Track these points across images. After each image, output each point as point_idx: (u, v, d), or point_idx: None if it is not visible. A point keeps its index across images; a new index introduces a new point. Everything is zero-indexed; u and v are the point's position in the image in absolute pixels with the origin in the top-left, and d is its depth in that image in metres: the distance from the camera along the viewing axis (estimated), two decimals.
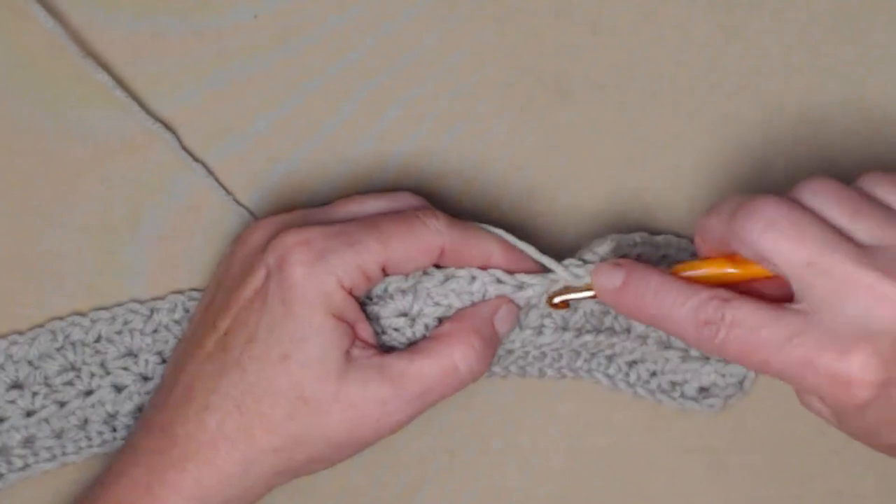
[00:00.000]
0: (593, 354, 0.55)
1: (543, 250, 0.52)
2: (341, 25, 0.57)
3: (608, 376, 0.56)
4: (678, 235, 0.56)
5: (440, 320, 0.51)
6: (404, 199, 0.52)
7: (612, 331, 0.54)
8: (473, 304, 0.51)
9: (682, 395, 0.56)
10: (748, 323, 0.47)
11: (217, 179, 0.56)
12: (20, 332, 0.55)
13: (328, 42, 0.57)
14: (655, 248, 0.55)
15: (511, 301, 0.51)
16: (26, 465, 0.55)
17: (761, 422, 0.56)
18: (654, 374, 0.56)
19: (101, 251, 0.56)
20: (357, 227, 0.50)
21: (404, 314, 0.51)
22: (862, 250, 0.46)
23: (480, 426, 0.56)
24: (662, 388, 0.56)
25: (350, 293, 0.49)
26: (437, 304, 0.51)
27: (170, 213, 0.56)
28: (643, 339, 0.55)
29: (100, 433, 0.55)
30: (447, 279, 0.51)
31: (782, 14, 0.57)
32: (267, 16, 0.57)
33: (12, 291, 0.56)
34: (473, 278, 0.51)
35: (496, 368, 0.55)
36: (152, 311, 0.55)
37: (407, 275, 0.51)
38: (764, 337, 0.46)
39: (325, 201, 0.55)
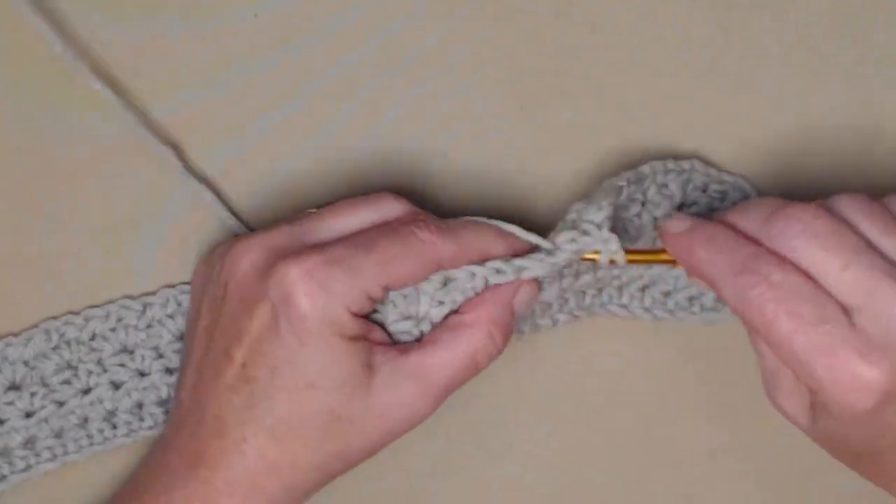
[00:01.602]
0: (600, 290, 0.56)
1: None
2: (341, 26, 0.56)
3: (622, 306, 0.56)
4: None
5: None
6: (388, 205, 0.52)
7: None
8: (492, 287, 0.51)
9: (702, 308, 0.56)
10: (794, 287, 0.47)
11: (221, 197, 0.56)
12: (14, 334, 0.55)
13: (328, 42, 0.56)
14: (640, 182, 0.55)
15: (531, 281, 0.52)
16: (28, 466, 0.55)
17: (761, 422, 0.56)
18: (668, 293, 0.56)
19: (102, 252, 0.56)
20: (355, 252, 0.49)
21: (409, 317, 0.51)
22: (892, 264, 0.47)
23: (480, 426, 0.57)
24: (681, 305, 0.56)
25: (357, 314, 0.50)
26: (441, 303, 0.51)
27: (170, 214, 0.56)
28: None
29: (100, 431, 0.55)
30: (447, 282, 0.51)
31: (782, 14, 0.57)
32: (267, 16, 0.56)
33: (12, 292, 0.56)
34: (473, 275, 0.51)
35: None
36: (145, 306, 0.56)
37: None
38: (802, 309, 0.47)
39: (326, 202, 0.55)
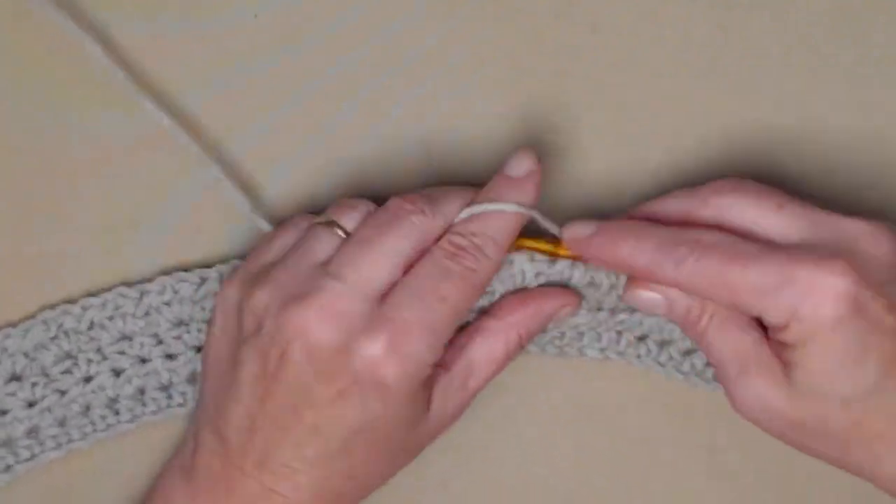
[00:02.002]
0: (620, 333, 0.55)
1: None
2: (341, 26, 0.56)
3: (638, 357, 0.56)
4: None
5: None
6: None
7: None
8: (536, 293, 0.52)
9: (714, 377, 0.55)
10: (727, 239, 0.48)
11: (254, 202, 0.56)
12: (12, 325, 0.55)
13: (329, 42, 0.56)
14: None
15: (576, 299, 0.52)
16: (33, 455, 0.55)
17: None
18: (687, 353, 0.56)
19: (103, 252, 0.56)
20: (429, 310, 0.49)
21: None
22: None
23: (481, 426, 0.57)
24: (696, 369, 0.56)
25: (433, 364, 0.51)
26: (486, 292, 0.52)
27: (171, 214, 0.56)
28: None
29: (103, 417, 0.55)
30: None
31: (782, 14, 0.57)
32: (267, 16, 0.56)
33: (12, 292, 0.56)
34: (511, 262, 0.52)
35: (532, 347, 0.56)
36: (141, 293, 0.55)
37: None
38: (745, 250, 0.47)
39: (326, 202, 0.55)
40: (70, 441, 0.55)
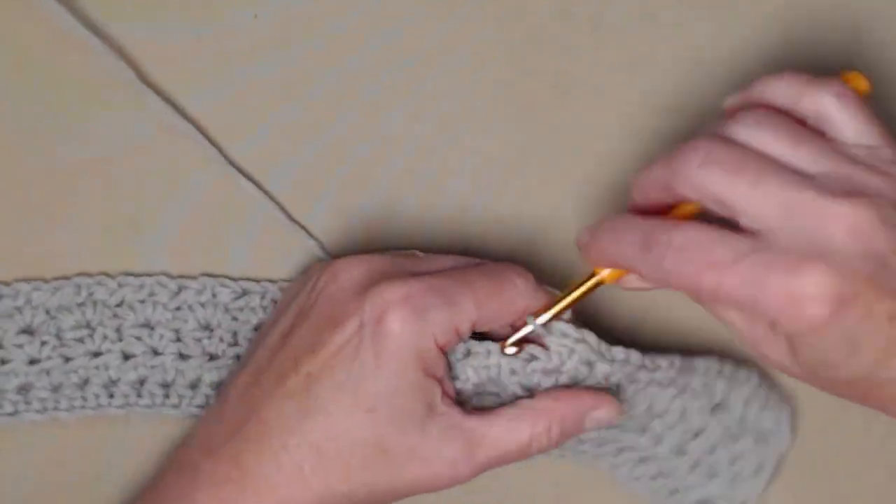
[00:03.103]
0: (600, 445, 0.55)
1: (544, 248, 0.54)
2: (341, 26, 0.56)
3: (614, 466, 0.55)
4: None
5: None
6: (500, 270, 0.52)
7: (625, 427, 0.54)
8: (576, 388, 0.51)
9: None
10: (698, 242, 0.45)
11: (289, 214, 0.56)
12: (45, 280, 0.55)
13: (328, 43, 0.56)
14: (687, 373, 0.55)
15: (613, 402, 0.51)
16: (16, 412, 0.54)
17: None
18: (656, 476, 0.55)
19: (103, 252, 0.56)
20: (453, 284, 0.50)
21: (487, 392, 0.52)
22: (804, 176, 0.45)
23: None
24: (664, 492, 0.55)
25: (442, 350, 0.50)
26: (522, 385, 0.51)
27: (172, 214, 0.56)
28: (657, 440, 0.54)
29: (96, 396, 0.54)
30: (531, 360, 0.51)
31: (782, 14, 0.57)
32: (267, 17, 0.56)
33: None
34: (488, 353, 0.51)
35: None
36: (180, 288, 0.55)
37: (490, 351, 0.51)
38: (715, 256, 0.45)
39: (324, 201, 0.56)
40: (56, 409, 0.54)
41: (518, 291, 0.50)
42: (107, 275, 0.55)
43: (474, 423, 0.50)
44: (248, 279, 0.56)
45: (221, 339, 0.55)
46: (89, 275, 0.55)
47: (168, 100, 0.56)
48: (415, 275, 0.50)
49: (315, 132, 0.56)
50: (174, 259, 0.56)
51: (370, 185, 0.57)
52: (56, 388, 0.54)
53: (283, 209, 0.56)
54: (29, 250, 0.55)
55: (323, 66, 0.56)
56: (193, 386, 0.55)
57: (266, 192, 0.56)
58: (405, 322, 0.48)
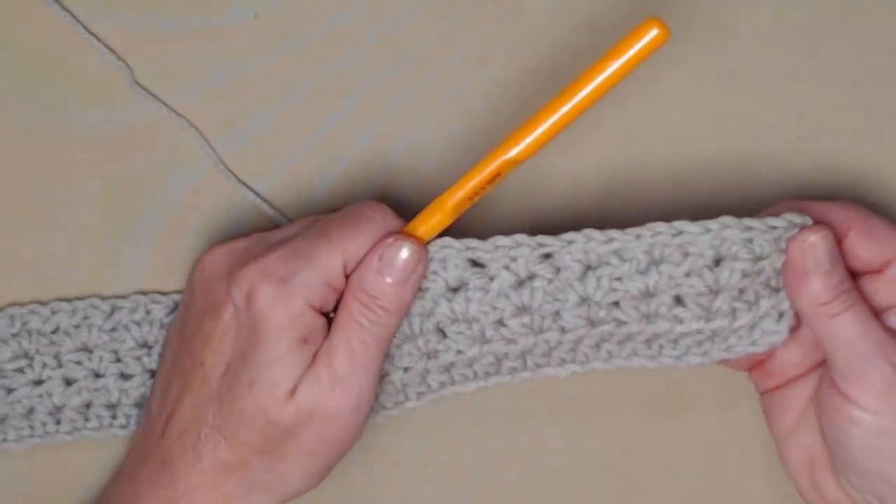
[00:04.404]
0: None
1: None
2: (340, 25, 0.57)
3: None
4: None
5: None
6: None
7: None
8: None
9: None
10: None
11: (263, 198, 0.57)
12: None
13: (328, 42, 0.57)
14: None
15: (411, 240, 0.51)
16: None
17: (761, 422, 0.55)
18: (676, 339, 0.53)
19: (100, 251, 0.56)
20: (308, 241, 0.50)
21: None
22: None
23: (480, 426, 0.56)
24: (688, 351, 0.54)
25: (320, 311, 0.50)
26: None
27: (169, 214, 0.56)
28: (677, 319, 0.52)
29: (43, 424, 0.55)
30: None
31: (782, 14, 0.57)
32: (266, 16, 0.56)
33: (12, 293, 0.56)
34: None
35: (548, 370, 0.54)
36: (113, 308, 0.55)
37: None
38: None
39: (323, 199, 0.56)
40: (4, 440, 0.55)
41: (376, 223, 0.50)
42: (39, 302, 0.55)
43: (320, 356, 0.50)
44: (179, 292, 0.56)
45: (161, 355, 0.55)
46: (21, 304, 0.55)
47: (160, 99, 0.56)
48: (271, 247, 0.50)
49: (313, 130, 0.57)
50: (164, 264, 0.56)
51: (367, 183, 0.57)
52: (2, 420, 0.54)
53: (274, 208, 0.56)
54: (28, 252, 0.56)
55: (321, 64, 0.57)
56: (139, 404, 0.55)
57: (257, 194, 0.56)
58: (272, 294, 0.49)
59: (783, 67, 0.57)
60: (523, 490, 0.56)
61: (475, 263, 0.51)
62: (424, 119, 0.56)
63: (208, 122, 0.56)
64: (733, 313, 0.52)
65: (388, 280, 0.49)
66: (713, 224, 0.51)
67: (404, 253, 0.49)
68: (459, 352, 0.52)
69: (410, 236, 0.50)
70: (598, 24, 0.56)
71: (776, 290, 0.52)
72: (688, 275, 0.51)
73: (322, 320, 0.50)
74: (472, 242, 0.51)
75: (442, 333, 0.52)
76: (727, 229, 0.50)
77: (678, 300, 0.51)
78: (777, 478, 0.55)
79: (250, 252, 0.51)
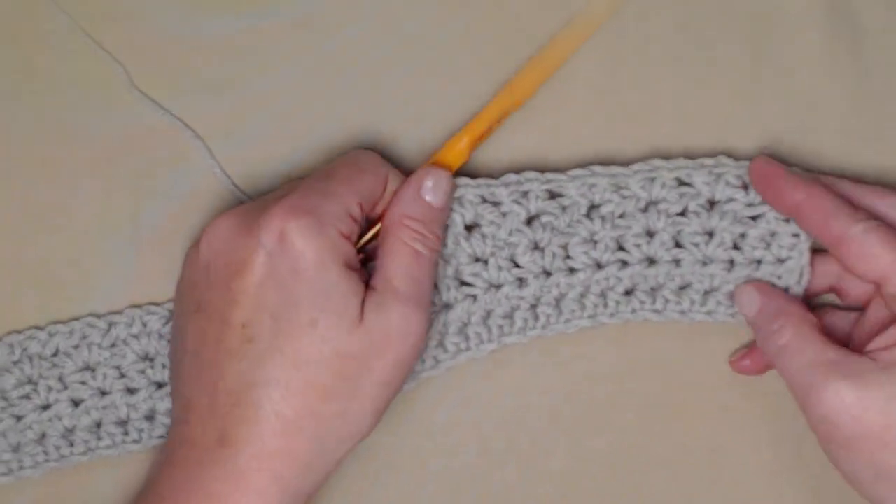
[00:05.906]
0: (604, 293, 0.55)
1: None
2: (340, 27, 0.57)
3: (633, 311, 0.55)
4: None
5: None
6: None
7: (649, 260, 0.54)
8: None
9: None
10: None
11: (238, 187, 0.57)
12: None
13: (326, 44, 0.56)
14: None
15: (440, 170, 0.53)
16: None
17: (762, 422, 0.55)
18: (681, 289, 0.55)
19: (100, 253, 0.56)
20: (319, 181, 0.50)
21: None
22: None
23: (480, 426, 0.56)
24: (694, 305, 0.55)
25: (348, 238, 0.50)
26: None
27: (166, 217, 0.56)
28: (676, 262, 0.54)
29: (57, 448, 0.55)
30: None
31: (783, 14, 0.56)
32: (265, 20, 0.57)
33: (11, 294, 0.56)
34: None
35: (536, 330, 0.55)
36: (110, 325, 0.55)
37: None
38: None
39: None
40: (21, 468, 0.55)
41: (372, 163, 0.52)
42: (36, 328, 0.55)
43: (378, 280, 0.50)
44: (173, 300, 0.55)
45: (164, 366, 0.55)
46: (18, 332, 0.55)
47: (158, 103, 0.56)
48: (281, 197, 0.50)
49: (312, 129, 0.57)
50: (163, 264, 0.56)
51: None
52: (16, 448, 0.55)
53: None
54: (28, 253, 0.56)
55: (320, 63, 0.57)
56: (149, 418, 0.55)
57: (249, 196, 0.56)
58: (306, 228, 0.48)
59: (784, 67, 0.56)
60: (523, 490, 0.56)
61: (488, 201, 0.54)
62: (424, 119, 0.56)
63: (206, 127, 0.56)
64: (730, 262, 0.53)
65: (435, 204, 0.52)
66: (709, 160, 0.54)
67: (444, 178, 0.52)
68: (475, 299, 0.53)
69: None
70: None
71: (786, 221, 0.53)
72: (683, 213, 0.54)
73: (353, 248, 0.50)
74: (485, 180, 0.54)
75: (458, 281, 0.54)
76: (723, 167, 0.53)
77: (677, 243, 0.54)
78: (777, 478, 0.55)
79: (260, 207, 0.50)
